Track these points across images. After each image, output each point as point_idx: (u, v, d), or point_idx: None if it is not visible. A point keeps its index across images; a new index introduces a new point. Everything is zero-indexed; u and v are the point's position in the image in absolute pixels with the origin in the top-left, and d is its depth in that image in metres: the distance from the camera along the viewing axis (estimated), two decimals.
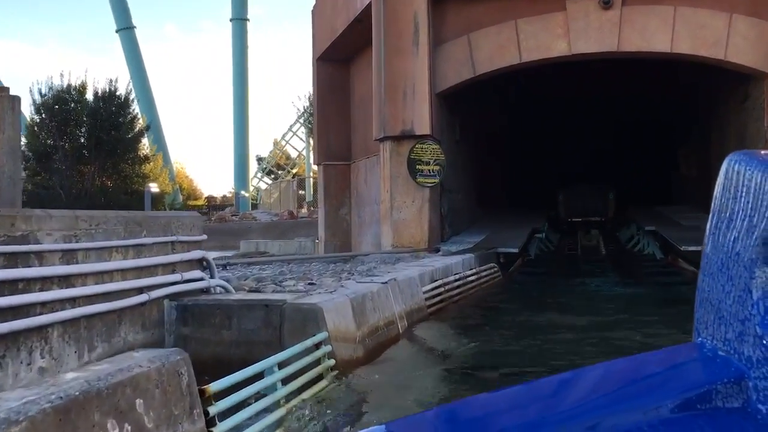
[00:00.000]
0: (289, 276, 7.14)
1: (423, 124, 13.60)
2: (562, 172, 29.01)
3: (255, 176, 65.00)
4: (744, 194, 1.05)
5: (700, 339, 1.12)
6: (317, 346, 4.49)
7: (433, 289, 7.27)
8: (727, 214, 1.08)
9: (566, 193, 21.68)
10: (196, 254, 5.11)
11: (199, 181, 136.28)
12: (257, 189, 63.59)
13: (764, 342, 0.98)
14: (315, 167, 29.69)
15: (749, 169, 1.05)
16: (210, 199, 70.63)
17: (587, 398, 1.06)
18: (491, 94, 21.69)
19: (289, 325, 4.64)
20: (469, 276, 8.99)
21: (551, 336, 6.14)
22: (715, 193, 1.12)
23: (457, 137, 16.38)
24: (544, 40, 13.50)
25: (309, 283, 5.97)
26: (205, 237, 5.36)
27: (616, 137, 29.47)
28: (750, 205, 1.03)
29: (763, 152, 1.08)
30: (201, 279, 5.12)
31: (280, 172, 64.98)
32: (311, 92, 23.79)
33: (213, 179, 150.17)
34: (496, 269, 10.70)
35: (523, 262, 14.09)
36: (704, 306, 1.11)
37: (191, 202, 68.13)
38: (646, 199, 24.31)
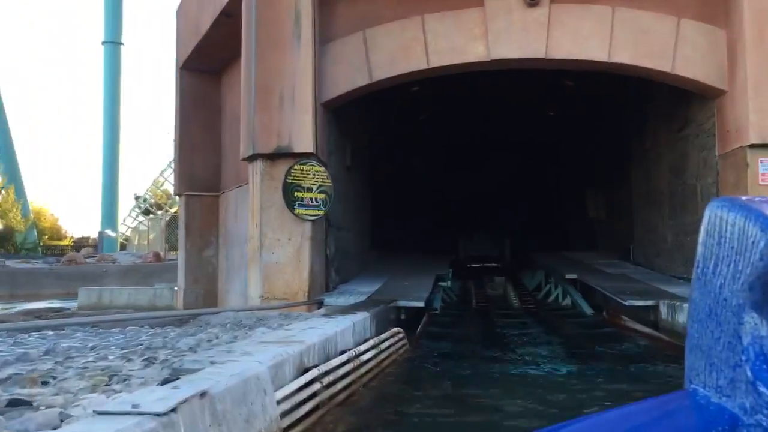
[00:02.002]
0: (25, 365, 3.71)
1: (304, 140, 10.48)
2: (462, 214, 27.05)
3: (129, 215, 59.46)
4: (728, 239, 1.05)
5: (692, 386, 1.11)
6: None
7: (300, 390, 3.98)
8: (713, 261, 1.08)
9: (464, 239, 21.27)
10: None
11: (66, 220, 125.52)
12: (135, 229, 58.09)
13: (757, 388, 0.98)
14: None
15: (732, 214, 1.05)
16: (82, 240, 64.17)
17: None
18: (388, 118, 19.13)
19: None
20: (364, 352, 5.70)
21: None
22: (699, 239, 1.11)
23: (348, 163, 13.37)
24: (458, 41, 10.85)
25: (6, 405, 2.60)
26: None
27: (518, 177, 27.82)
28: (734, 250, 1.04)
29: (744, 198, 1.09)
30: None
31: (159, 212, 59.75)
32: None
33: (85, 219, 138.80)
34: (401, 336, 7.52)
35: (429, 318, 11.09)
36: (694, 353, 1.11)
37: (54, 242, 61.38)
38: (546, 244, 22.71)
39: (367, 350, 5.87)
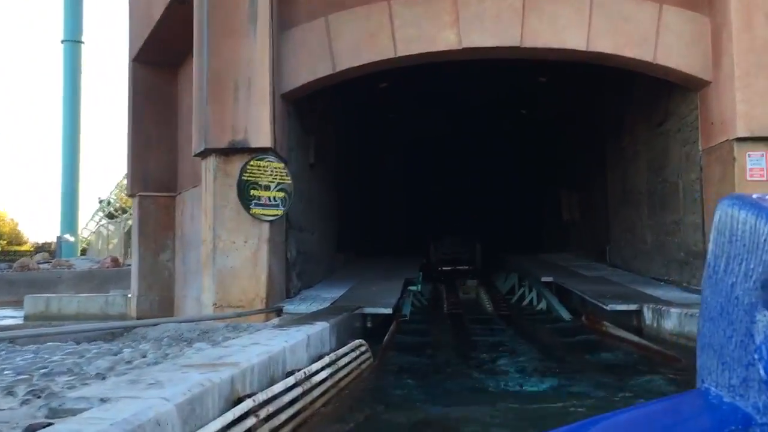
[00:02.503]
0: None
1: (261, 133, 9.65)
2: (433, 216, 26.42)
3: (92, 219, 57.80)
4: (739, 237, 1.03)
5: (704, 386, 1.08)
6: None
7: (227, 428, 3.15)
8: (724, 259, 1.06)
9: (435, 241, 20.59)
10: None
11: (27, 225, 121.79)
12: (98, 234, 56.52)
13: None
14: None
15: (743, 212, 1.03)
16: (44, 245, 62.22)
17: None
18: (355, 115, 18.37)
19: None
20: (317, 372, 4.86)
21: None
22: (710, 236, 1.09)
23: (311, 160, 12.54)
24: (427, 28, 10.12)
25: None
26: None
27: (488, 178, 27.28)
28: (746, 249, 1.02)
29: (755, 195, 1.07)
30: None
31: (124, 215, 58.20)
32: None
33: (47, 224, 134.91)
34: (364, 349, 6.69)
35: (398, 326, 10.31)
36: (706, 351, 1.08)
37: (13, 248, 59.32)
38: (520, 246, 22.21)
39: (323, 368, 5.06)
